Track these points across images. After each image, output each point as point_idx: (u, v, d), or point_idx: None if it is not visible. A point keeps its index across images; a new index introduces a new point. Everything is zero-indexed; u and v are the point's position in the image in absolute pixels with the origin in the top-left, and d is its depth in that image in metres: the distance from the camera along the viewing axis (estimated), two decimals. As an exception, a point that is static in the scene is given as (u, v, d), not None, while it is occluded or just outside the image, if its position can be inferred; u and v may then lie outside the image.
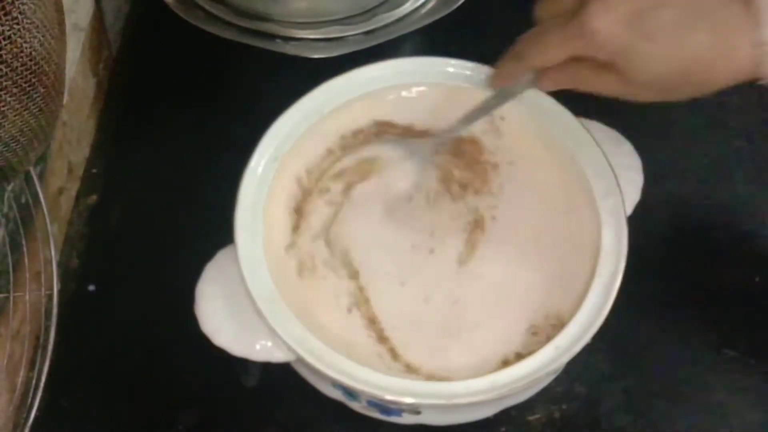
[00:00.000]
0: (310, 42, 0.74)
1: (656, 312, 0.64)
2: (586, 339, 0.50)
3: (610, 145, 0.57)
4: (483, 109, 0.57)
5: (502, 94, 0.56)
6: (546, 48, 0.51)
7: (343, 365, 0.50)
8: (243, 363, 0.53)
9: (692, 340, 0.63)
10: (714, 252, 0.67)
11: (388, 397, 0.49)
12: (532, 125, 0.59)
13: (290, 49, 0.74)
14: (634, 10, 0.47)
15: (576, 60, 0.51)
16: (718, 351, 0.63)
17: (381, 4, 0.76)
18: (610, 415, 0.60)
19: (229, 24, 0.74)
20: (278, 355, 0.52)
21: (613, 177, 0.55)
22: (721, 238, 0.68)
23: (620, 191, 0.55)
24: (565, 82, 0.53)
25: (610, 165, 0.55)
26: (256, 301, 0.51)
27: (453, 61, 0.60)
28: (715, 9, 0.46)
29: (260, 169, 0.56)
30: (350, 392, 0.53)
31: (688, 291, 0.65)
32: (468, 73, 0.60)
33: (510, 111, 0.59)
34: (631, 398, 0.61)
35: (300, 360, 0.51)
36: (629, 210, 0.56)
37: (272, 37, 0.74)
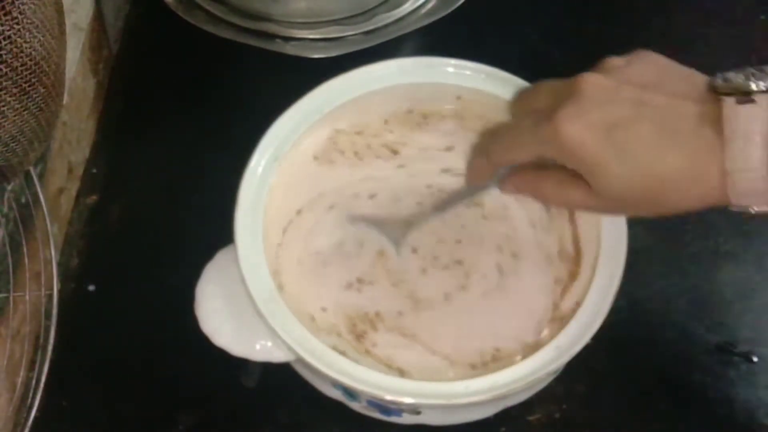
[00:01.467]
0: (310, 42, 0.74)
1: (656, 311, 0.64)
2: (586, 339, 0.50)
3: None
4: (454, 199, 0.56)
5: (472, 187, 0.56)
6: (513, 147, 0.50)
7: (343, 365, 0.50)
8: (243, 363, 0.53)
9: (692, 339, 0.63)
10: (714, 251, 0.67)
11: (388, 397, 0.49)
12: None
13: (290, 49, 0.74)
14: (608, 121, 0.45)
15: (541, 168, 0.50)
16: (719, 350, 0.63)
17: (381, 4, 0.76)
18: (610, 415, 0.60)
19: (229, 24, 0.74)
20: (278, 355, 0.52)
21: None
22: (722, 237, 0.68)
23: None
24: (527, 190, 0.52)
25: None
26: (256, 301, 0.51)
27: (453, 61, 0.60)
28: (689, 133, 0.45)
29: (260, 169, 0.56)
30: (350, 392, 0.53)
31: (689, 290, 0.65)
32: (468, 72, 0.59)
33: (485, 105, 0.59)
34: (630, 398, 0.61)
35: (300, 360, 0.51)
36: None
37: (272, 37, 0.74)
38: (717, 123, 0.44)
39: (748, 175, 0.43)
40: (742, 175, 0.44)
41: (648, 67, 0.49)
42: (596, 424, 0.60)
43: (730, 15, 0.80)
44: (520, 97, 0.54)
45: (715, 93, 0.45)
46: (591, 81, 0.47)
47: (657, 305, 0.64)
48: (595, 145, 0.45)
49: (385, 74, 0.60)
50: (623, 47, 0.77)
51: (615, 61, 0.50)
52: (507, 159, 0.51)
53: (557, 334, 0.51)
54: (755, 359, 0.62)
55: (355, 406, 0.56)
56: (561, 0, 0.81)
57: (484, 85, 0.59)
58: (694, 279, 0.66)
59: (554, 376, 0.56)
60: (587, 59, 0.79)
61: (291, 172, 0.58)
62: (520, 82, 0.57)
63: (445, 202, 0.56)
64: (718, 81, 0.45)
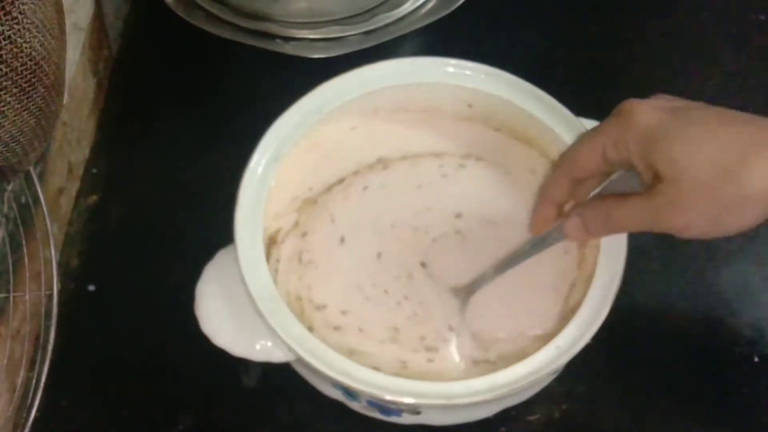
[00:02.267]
0: (310, 42, 0.74)
1: (656, 311, 0.64)
2: (586, 339, 0.50)
3: None
4: (519, 257, 0.55)
5: (537, 243, 0.54)
6: (581, 143, 0.50)
7: (343, 365, 0.50)
8: (243, 363, 0.53)
9: (693, 339, 0.63)
10: (714, 250, 0.67)
11: (388, 397, 0.49)
12: (530, 125, 0.59)
13: (290, 49, 0.74)
14: (673, 107, 0.47)
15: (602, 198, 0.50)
16: (719, 350, 0.63)
17: (381, 4, 0.76)
18: (610, 415, 0.60)
19: (229, 24, 0.74)
20: (278, 355, 0.52)
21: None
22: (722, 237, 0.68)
23: None
24: (597, 222, 0.50)
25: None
26: (256, 301, 0.51)
27: (453, 61, 0.60)
28: (745, 117, 0.46)
29: (260, 169, 0.56)
30: (350, 392, 0.53)
31: (689, 290, 0.65)
32: (468, 73, 0.59)
33: (505, 113, 0.59)
34: (630, 398, 0.61)
35: (300, 360, 0.51)
36: None
37: (272, 37, 0.74)
38: None
39: None
40: None
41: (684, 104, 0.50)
42: (596, 424, 0.60)
43: (729, 15, 0.80)
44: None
45: None
46: (637, 101, 0.48)
47: (657, 305, 0.64)
48: (665, 117, 0.46)
49: (384, 74, 0.59)
50: (623, 47, 0.78)
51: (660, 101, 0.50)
52: (575, 163, 0.51)
53: (557, 334, 0.51)
54: (756, 359, 0.62)
55: (355, 406, 0.56)
56: (561, 0, 0.81)
57: (488, 86, 0.59)
58: (693, 279, 0.66)
59: (554, 376, 0.56)
60: (588, 59, 0.80)
61: (291, 172, 0.58)
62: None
63: (506, 263, 0.55)
64: None
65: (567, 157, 0.52)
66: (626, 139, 0.47)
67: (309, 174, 0.59)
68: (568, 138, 0.57)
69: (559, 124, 0.57)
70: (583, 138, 0.51)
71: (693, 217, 0.46)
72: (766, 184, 0.44)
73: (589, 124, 0.57)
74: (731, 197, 0.45)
